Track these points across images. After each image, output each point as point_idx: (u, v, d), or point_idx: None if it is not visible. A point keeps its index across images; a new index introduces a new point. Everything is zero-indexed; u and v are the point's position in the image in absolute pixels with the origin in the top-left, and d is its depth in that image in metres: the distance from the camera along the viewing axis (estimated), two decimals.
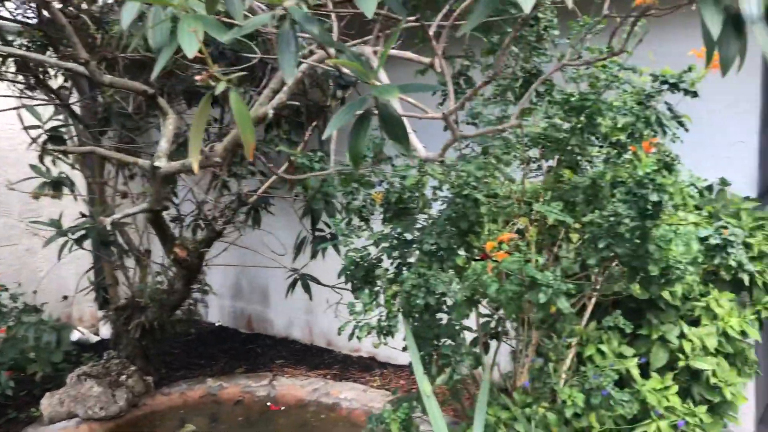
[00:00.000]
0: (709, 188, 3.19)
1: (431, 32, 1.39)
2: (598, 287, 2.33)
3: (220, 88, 1.04)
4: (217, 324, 5.73)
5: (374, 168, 2.44)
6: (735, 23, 1.12)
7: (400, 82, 1.13)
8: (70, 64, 2.40)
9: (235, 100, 1.04)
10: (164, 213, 2.93)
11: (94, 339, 5.21)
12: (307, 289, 3.36)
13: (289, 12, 1.07)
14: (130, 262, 3.93)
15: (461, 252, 2.27)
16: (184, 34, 1.00)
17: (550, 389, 2.26)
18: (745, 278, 2.67)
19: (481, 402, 2.16)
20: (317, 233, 3.17)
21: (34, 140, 3.46)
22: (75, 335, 5.00)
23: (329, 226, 3.20)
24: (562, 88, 2.30)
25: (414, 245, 2.39)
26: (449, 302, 2.22)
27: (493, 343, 2.61)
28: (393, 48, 1.68)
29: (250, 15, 1.14)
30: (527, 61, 2.23)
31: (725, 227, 2.27)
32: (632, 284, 2.20)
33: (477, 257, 2.24)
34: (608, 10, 1.51)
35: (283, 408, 4.45)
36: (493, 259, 2.04)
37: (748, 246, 2.77)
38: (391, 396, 4.18)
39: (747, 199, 3.19)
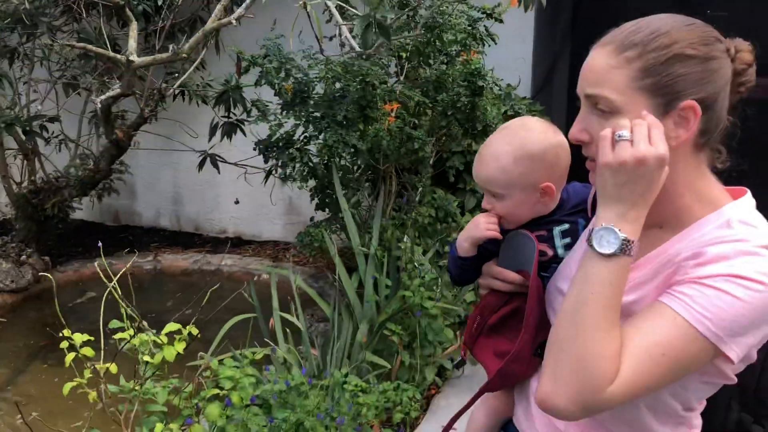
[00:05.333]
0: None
1: None
2: (443, 143, 3.79)
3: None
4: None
5: (291, 63, 3.62)
6: None
7: None
8: None
9: None
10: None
11: None
12: (215, 165, 4.43)
13: None
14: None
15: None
16: None
17: (413, 207, 3.70)
18: None
19: (377, 215, 3.54)
20: (226, 119, 4.24)
21: None
22: None
23: (234, 114, 4.28)
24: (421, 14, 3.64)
25: (324, 120, 3.63)
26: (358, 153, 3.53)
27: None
28: None
29: None
30: None
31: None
32: (466, 139, 3.69)
33: (371, 125, 3.56)
34: None
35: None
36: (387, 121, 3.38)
37: None
38: (266, 262, 5.45)
39: (524, 98, 4.84)
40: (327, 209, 3.85)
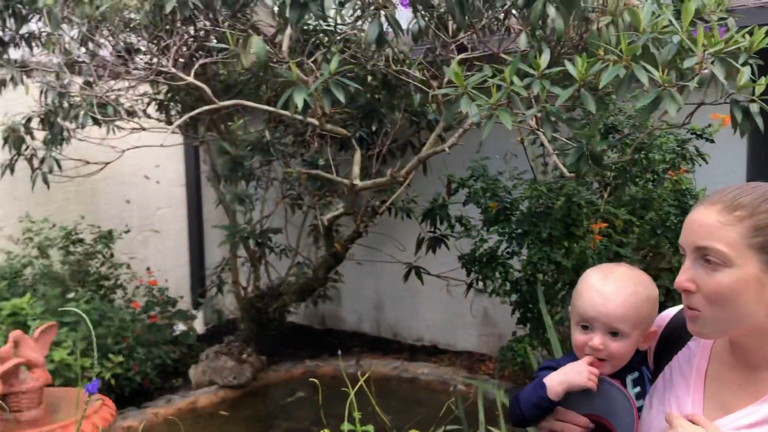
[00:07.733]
0: None
1: None
2: (649, 261, 3.77)
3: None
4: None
5: (496, 184, 3.85)
6: (746, 113, 2.55)
7: None
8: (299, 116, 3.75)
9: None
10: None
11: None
12: (419, 276, 4.72)
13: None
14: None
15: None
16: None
17: None
18: None
19: None
20: (432, 234, 4.54)
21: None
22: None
23: (439, 230, 4.57)
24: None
25: (528, 236, 3.78)
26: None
27: None
28: None
29: None
30: (606, 117, 3.66)
31: None
32: (676, 257, 3.65)
33: (576, 243, 3.65)
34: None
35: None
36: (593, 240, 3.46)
37: None
38: (461, 373, 5.56)
39: None
40: (528, 324, 3.93)
